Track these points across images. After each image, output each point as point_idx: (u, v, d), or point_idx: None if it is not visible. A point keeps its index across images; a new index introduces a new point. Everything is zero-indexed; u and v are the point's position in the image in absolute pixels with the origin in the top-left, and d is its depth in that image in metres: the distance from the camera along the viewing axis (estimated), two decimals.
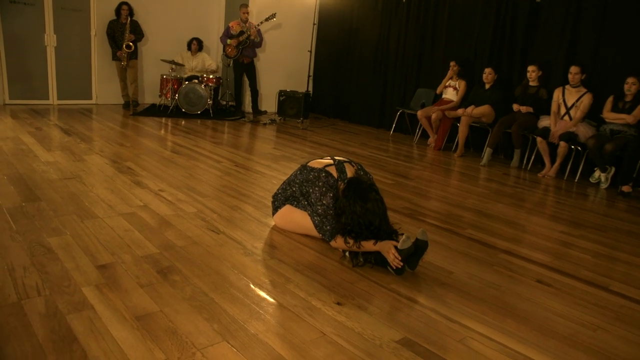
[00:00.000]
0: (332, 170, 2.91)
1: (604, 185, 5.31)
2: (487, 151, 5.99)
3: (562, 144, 5.46)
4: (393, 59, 8.08)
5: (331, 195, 2.83)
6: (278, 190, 3.17)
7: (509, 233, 3.55)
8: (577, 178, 5.56)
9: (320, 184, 2.86)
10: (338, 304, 2.30)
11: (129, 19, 7.65)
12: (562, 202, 4.62)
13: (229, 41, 8.04)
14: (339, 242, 2.81)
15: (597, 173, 5.43)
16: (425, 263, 2.84)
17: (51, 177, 3.85)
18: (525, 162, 6.06)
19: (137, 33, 7.82)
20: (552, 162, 5.67)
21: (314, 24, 8.98)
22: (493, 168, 5.87)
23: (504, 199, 4.47)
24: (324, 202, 2.84)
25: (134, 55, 7.86)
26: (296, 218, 3.03)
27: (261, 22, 7.99)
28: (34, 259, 2.47)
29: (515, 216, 3.99)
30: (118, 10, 7.63)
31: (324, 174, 2.88)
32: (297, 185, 3.01)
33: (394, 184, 4.69)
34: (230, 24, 8.11)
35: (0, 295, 2.12)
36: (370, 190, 2.69)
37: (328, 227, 2.85)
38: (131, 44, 7.67)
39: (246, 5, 7.99)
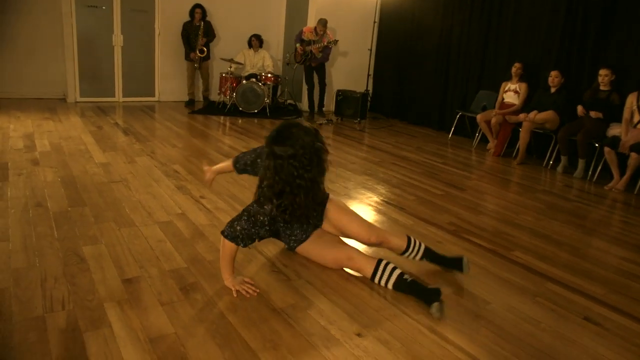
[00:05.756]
0: None
1: None
2: (563, 160, 5.80)
3: (633, 155, 5.02)
4: (455, 59, 7.75)
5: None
6: None
7: (560, 257, 3.29)
8: None
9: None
10: (358, 335, 2.20)
11: (202, 22, 7.83)
12: (628, 221, 4.24)
13: (297, 45, 8.01)
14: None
15: None
16: (462, 291, 2.68)
17: (100, 180, 3.98)
18: (590, 172, 5.62)
19: (210, 35, 8.00)
20: (622, 174, 5.22)
21: (374, 22, 8.78)
22: (554, 179, 5.50)
23: (561, 216, 4.17)
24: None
25: (206, 57, 8.06)
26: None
27: (324, 44, 7.78)
28: (66, 269, 2.54)
29: (571, 237, 3.69)
30: (192, 13, 7.83)
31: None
32: None
33: (444, 195, 4.49)
34: (303, 29, 8.03)
35: (27, 307, 2.18)
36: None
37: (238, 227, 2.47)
38: (204, 48, 7.88)
39: (323, 24, 7.76)
